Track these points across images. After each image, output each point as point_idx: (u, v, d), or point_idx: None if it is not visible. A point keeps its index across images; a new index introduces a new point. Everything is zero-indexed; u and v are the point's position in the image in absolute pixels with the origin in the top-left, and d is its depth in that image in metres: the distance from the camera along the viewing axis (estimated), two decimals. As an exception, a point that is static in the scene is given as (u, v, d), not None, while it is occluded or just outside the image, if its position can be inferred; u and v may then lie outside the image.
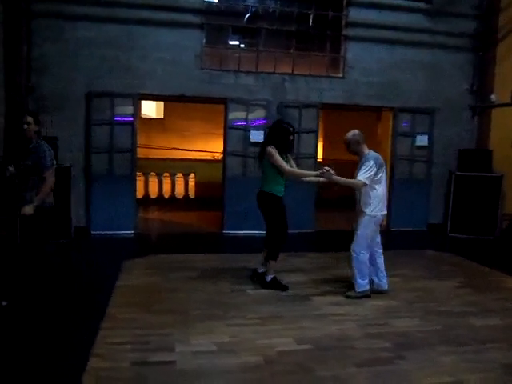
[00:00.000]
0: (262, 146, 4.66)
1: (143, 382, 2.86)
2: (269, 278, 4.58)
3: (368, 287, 4.39)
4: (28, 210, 3.94)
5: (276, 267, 4.66)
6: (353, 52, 7.51)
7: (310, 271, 5.15)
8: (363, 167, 4.19)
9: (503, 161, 7.42)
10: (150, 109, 13.68)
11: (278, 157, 4.37)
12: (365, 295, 4.36)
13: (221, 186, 7.51)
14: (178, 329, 3.58)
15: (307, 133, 7.40)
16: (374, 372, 3.05)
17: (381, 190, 4.27)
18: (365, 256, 4.34)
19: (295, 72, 7.42)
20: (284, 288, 4.54)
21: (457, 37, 7.78)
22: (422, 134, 7.82)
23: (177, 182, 10.56)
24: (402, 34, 7.55)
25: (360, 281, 4.34)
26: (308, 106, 7.37)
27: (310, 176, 4.61)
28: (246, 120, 7.24)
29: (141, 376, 2.92)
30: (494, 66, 7.76)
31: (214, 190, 8.52)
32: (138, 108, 7.20)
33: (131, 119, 6.91)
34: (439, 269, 5.62)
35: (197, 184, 10.59)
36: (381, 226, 4.51)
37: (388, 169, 8.11)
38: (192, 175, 10.61)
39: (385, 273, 4.52)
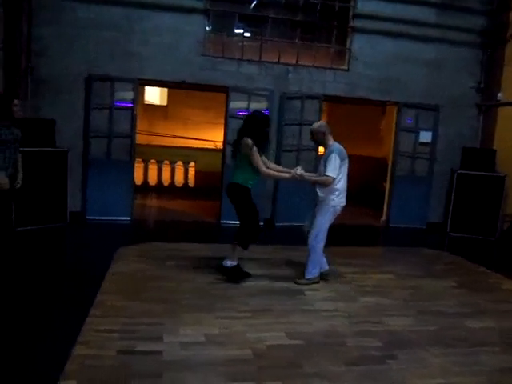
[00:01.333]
0: (237, 136, 4.46)
1: (127, 371, 2.81)
2: (228, 263, 4.44)
3: (317, 274, 4.54)
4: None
5: (240, 255, 4.53)
6: (358, 44, 7.37)
7: (303, 265, 5.06)
8: (328, 162, 4.28)
9: (507, 161, 7.30)
10: (154, 96, 13.57)
11: (256, 156, 4.25)
12: (314, 282, 4.52)
13: (220, 176, 7.44)
14: (168, 318, 3.54)
15: (309, 125, 7.27)
16: (364, 371, 3.00)
17: (342, 181, 4.37)
18: (321, 247, 4.46)
19: (299, 63, 7.30)
20: (245, 275, 4.48)
21: (465, 32, 7.60)
22: (425, 130, 7.70)
23: (176, 170, 10.48)
24: (409, 28, 7.39)
25: (312, 269, 4.50)
26: (311, 97, 7.25)
27: (285, 177, 4.58)
28: (247, 109, 7.12)
29: (126, 365, 2.87)
30: (503, 65, 7.60)
31: (214, 180, 8.43)
32: (138, 93, 7.10)
33: (131, 105, 6.81)
34: (436, 268, 5.56)
35: (197, 173, 10.50)
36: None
37: (390, 164, 8.06)
38: (192, 164, 10.52)
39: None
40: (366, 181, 9.20)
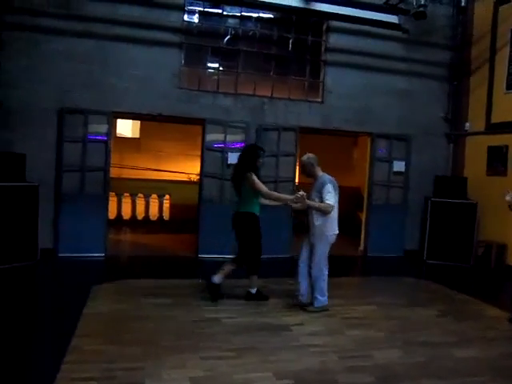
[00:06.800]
0: (235, 169, 4.87)
1: (107, 425, 2.60)
2: (254, 290, 4.83)
3: (326, 303, 4.62)
4: None
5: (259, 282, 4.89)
6: (331, 77, 7.58)
7: (287, 298, 4.95)
8: (325, 191, 4.43)
9: (477, 188, 7.53)
10: (126, 128, 13.43)
11: (258, 182, 4.59)
12: (323, 309, 4.58)
13: (196, 209, 7.31)
14: (149, 362, 3.32)
15: (286, 156, 7.34)
16: (358, 409, 2.88)
17: (335, 210, 4.54)
18: (325, 274, 4.56)
19: (274, 95, 7.41)
20: (265, 298, 4.85)
21: (432, 66, 7.97)
22: (398, 159, 7.88)
23: (151, 204, 10.29)
24: (379, 61, 7.68)
25: (319, 297, 4.58)
26: (287, 129, 7.33)
27: (287, 200, 4.84)
28: (224, 142, 7.13)
29: (105, 417, 2.66)
30: (468, 96, 7.97)
31: (189, 213, 8.30)
32: (112, 126, 6.98)
33: (105, 138, 6.69)
34: (417, 296, 5.55)
35: (172, 206, 10.33)
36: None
37: (365, 194, 8.16)
38: (167, 197, 10.36)
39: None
40: (341, 210, 9.24)
